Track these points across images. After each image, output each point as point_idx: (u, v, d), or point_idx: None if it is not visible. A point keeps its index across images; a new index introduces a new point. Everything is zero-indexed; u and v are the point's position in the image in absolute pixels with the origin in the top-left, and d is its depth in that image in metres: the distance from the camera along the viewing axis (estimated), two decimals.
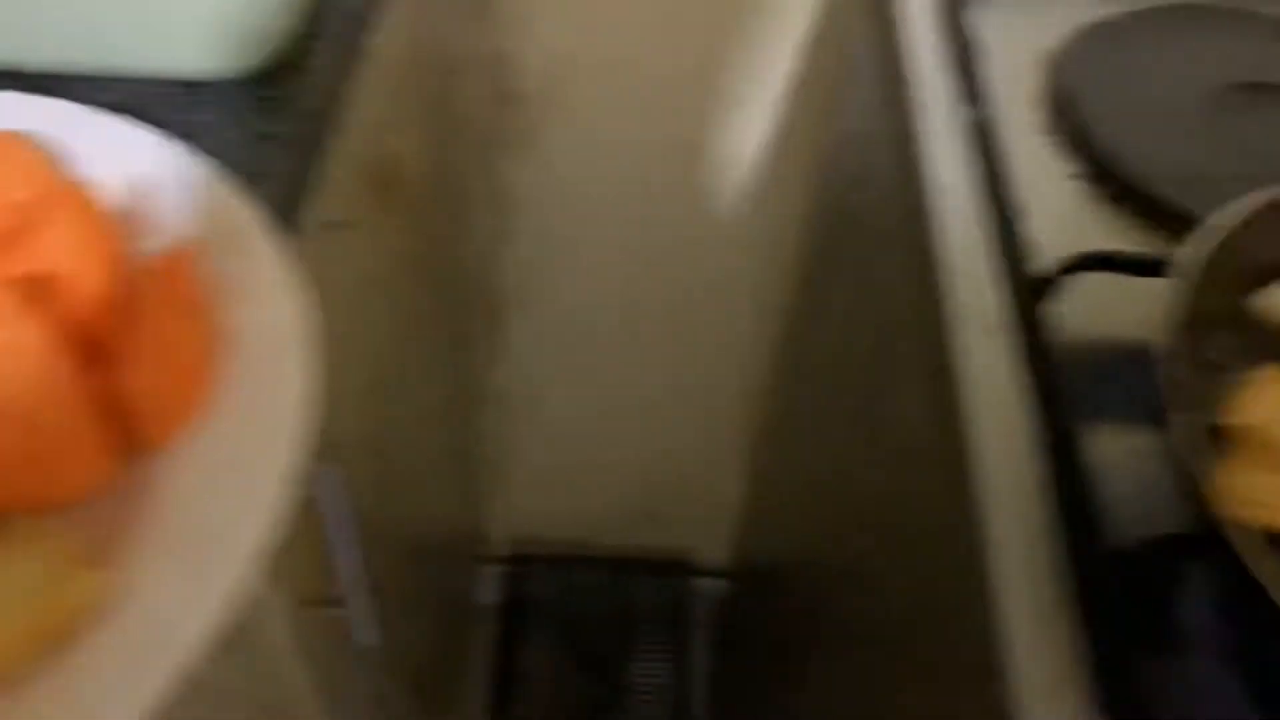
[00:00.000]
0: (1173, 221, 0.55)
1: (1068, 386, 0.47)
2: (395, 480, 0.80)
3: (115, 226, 0.37)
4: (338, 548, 0.52)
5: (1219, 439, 0.42)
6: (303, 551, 0.58)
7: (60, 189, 0.37)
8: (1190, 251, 0.44)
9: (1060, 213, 0.57)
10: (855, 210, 0.74)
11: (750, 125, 0.93)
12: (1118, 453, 0.46)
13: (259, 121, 0.45)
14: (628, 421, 1.24)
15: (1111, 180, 0.57)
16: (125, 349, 0.33)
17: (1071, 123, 0.60)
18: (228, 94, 0.46)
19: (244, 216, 0.38)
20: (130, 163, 0.39)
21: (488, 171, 0.99)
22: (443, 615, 1.16)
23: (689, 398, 1.20)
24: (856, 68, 0.78)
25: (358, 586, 0.55)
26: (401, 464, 0.82)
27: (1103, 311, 0.51)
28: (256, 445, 0.32)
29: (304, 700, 0.58)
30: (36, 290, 0.34)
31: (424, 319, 0.87)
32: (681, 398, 1.20)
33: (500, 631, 1.35)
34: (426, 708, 1.03)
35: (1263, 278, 0.49)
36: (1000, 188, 0.56)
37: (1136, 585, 0.42)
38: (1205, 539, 0.39)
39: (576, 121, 0.95)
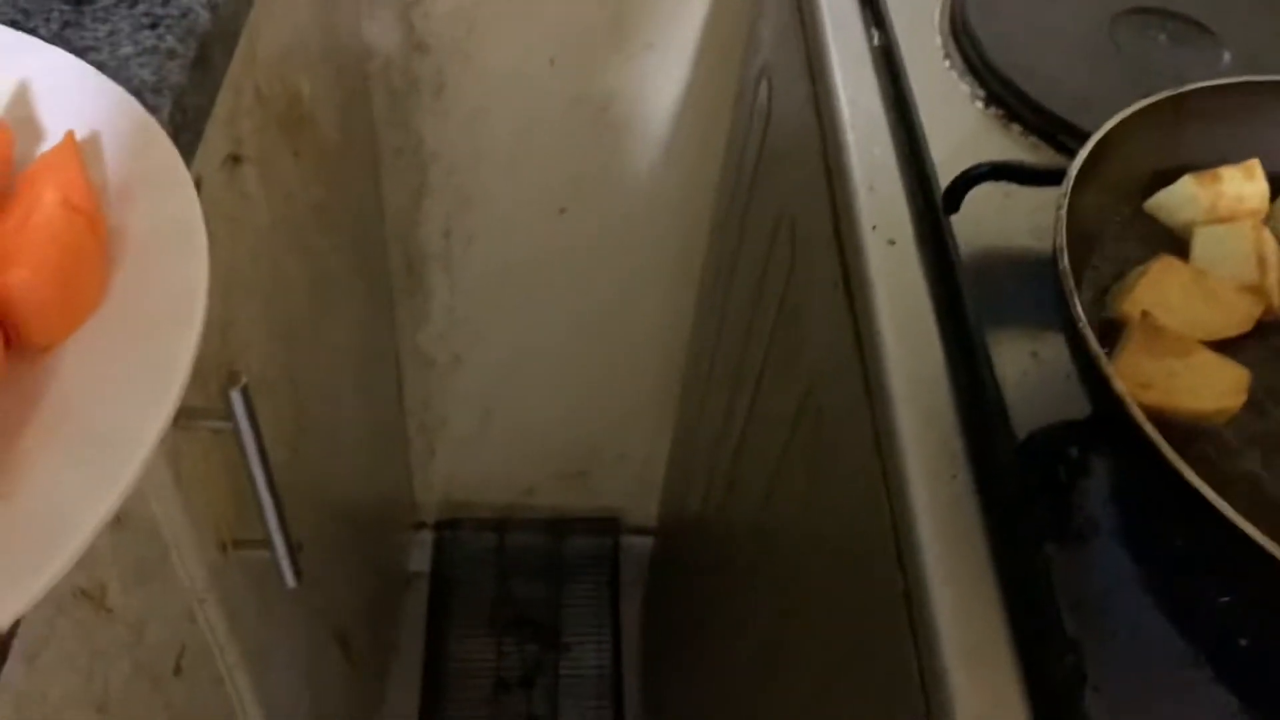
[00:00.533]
0: (1067, 138, 0.56)
1: (972, 294, 0.48)
2: (313, 435, 0.79)
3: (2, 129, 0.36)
4: (254, 480, 0.51)
5: (1114, 327, 0.44)
6: (221, 491, 0.57)
7: None
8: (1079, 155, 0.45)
9: (961, 132, 0.58)
10: (769, 141, 0.75)
11: (666, 69, 0.93)
12: (1021, 355, 0.48)
13: (152, 38, 0.44)
14: (555, 381, 1.24)
15: (1009, 101, 0.59)
16: (8, 248, 0.32)
17: (971, 47, 0.61)
18: (118, 10, 0.45)
19: (137, 119, 0.37)
20: (18, 66, 0.38)
21: (402, 125, 0.98)
22: (372, 580, 1.15)
23: (616, 353, 1.20)
24: (768, 3, 0.79)
25: (275, 522, 0.54)
26: (318, 419, 0.81)
27: (1004, 223, 0.53)
28: (147, 343, 0.32)
29: (223, 644, 0.57)
30: None
31: (338, 273, 0.86)
32: (609, 353, 1.20)
33: (433, 596, 1.34)
34: (358, 671, 1.03)
35: (1156, 182, 0.51)
36: (905, 107, 0.57)
37: (1039, 476, 0.43)
38: (1104, 419, 0.40)
39: (490, 72, 0.94)
